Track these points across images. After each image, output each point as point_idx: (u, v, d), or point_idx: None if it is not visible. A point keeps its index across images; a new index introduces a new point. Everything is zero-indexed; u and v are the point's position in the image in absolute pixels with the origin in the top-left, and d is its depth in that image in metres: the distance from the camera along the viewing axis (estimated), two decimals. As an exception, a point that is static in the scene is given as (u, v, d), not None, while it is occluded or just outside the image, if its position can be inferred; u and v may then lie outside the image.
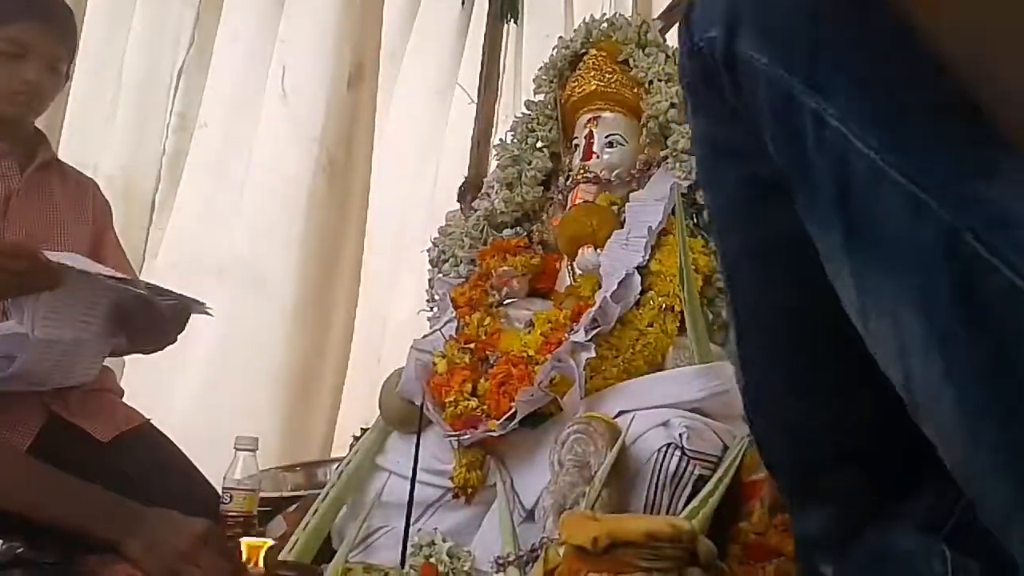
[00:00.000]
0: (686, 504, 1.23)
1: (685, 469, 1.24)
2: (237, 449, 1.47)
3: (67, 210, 1.69)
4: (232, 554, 1.35)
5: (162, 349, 1.65)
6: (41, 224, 1.64)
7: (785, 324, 0.68)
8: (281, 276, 2.46)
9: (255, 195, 2.50)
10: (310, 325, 2.47)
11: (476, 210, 1.82)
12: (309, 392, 2.45)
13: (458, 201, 2.33)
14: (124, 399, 1.74)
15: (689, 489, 1.24)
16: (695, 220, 1.62)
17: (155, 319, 1.52)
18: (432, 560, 1.31)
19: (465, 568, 1.30)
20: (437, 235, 1.83)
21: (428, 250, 1.83)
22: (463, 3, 2.77)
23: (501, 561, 1.25)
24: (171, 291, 1.53)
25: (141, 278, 1.91)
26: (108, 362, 1.82)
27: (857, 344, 0.58)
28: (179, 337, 1.65)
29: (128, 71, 2.40)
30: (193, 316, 1.60)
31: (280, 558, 1.38)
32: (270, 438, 2.26)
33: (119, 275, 1.48)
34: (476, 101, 2.46)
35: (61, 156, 1.80)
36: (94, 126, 2.37)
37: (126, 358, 2.31)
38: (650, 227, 1.52)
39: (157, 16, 2.46)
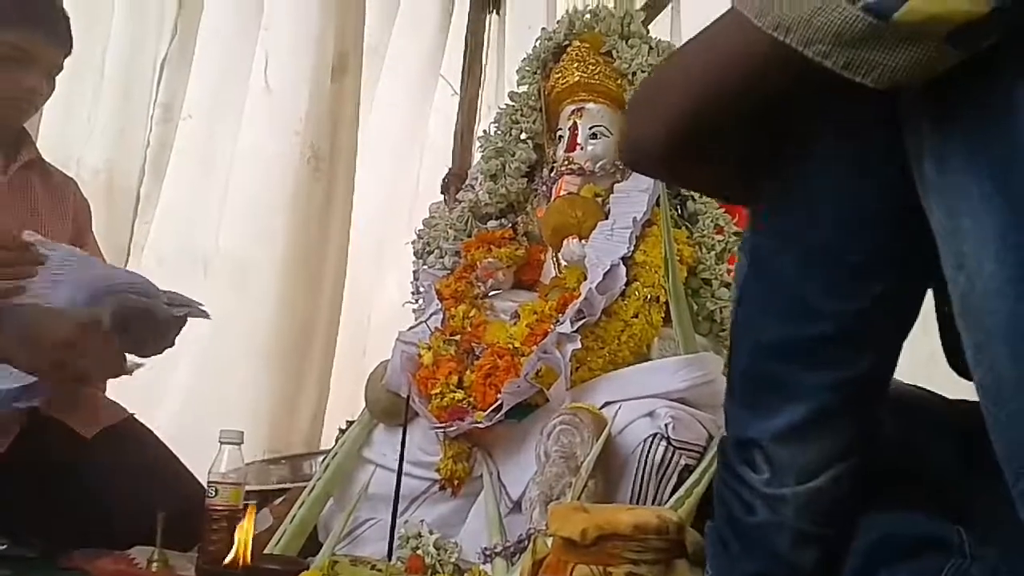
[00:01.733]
0: (672, 494, 1.24)
1: (671, 459, 1.25)
2: (222, 442, 1.46)
3: (48, 208, 1.69)
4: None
5: (160, 353, 1.64)
6: (22, 222, 1.62)
7: None
8: (266, 269, 2.45)
9: (240, 188, 2.48)
10: (295, 318, 2.45)
11: (460, 202, 1.82)
12: (295, 385, 2.44)
13: (442, 193, 2.32)
14: (112, 395, 1.73)
15: (675, 479, 1.25)
16: (679, 211, 1.63)
17: (153, 325, 1.52)
18: (419, 552, 1.31)
19: (452, 559, 1.30)
20: (421, 227, 1.82)
21: (412, 242, 1.82)
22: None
23: (488, 552, 1.25)
24: (177, 294, 1.53)
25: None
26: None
27: None
28: None
29: (110, 63, 2.37)
30: None
31: (266, 551, 1.38)
32: (256, 432, 2.26)
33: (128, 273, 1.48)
34: (459, 92, 2.46)
35: (42, 150, 1.78)
36: (76, 120, 2.34)
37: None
38: (634, 218, 1.53)
39: (138, 7, 2.43)
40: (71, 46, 1.65)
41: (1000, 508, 0.66)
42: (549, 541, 0.96)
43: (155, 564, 1.33)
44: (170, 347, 1.63)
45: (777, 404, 0.70)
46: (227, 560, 1.22)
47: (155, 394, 2.32)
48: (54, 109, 2.22)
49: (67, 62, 1.64)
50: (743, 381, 0.75)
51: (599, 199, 1.63)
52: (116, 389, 1.77)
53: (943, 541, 0.68)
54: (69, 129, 2.32)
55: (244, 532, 1.22)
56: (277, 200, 2.46)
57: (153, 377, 2.33)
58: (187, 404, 2.35)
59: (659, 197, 1.55)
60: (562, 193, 1.65)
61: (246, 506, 1.39)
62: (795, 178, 0.70)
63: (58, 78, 1.64)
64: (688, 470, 1.25)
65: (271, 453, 1.99)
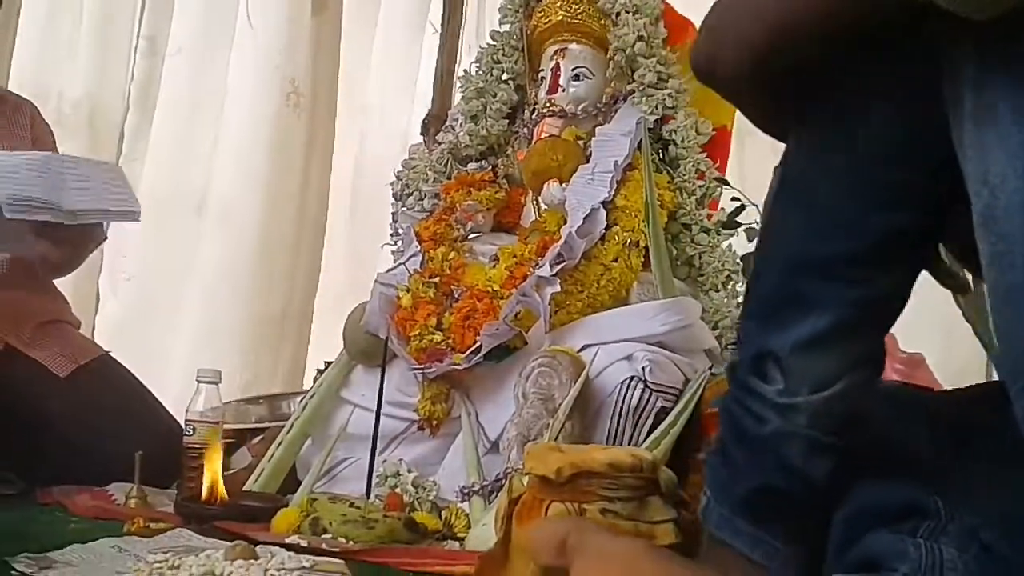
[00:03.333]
0: (648, 435, 1.25)
1: (647, 401, 1.26)
2: (199, 381, 1.46)
3: (3, 135, 1.65)
4: None
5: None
6: None
7: None
8: (249, 210, 2.43)
9: (228, 125, 2.45)
10: (276, 258, 2.45)
11: (440, 143, 1.80)
12: (277, 326, 2.44)
13: (421, 134, 2.29)
14: (89, 331, 1.73)
15: (651, 421, 1.26)
16: (660, 155, 1.62)
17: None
18: (397, 490, 1.32)
19: (430, 498, 1.32)
20: (401, 168, 1.80)
21: (392, 184, 1.80)
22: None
23: (466, 491, 1.27)
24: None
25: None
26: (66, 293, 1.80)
27: None
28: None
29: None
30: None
31: (245, 488, 1.39)
32: (238, 372, 2.27)
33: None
34: (440, 31, 2.41)
35: (22, 83, 1.74)
36: (57, 53, 2.28)
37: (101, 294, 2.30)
38: (616, 162, 1.52)
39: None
40: None
41: (978, 483, 0.70)
42: (525, 480, 0.97)
43: (133, 500, 1.34)
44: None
45: (800, 316, 0.73)
46: (204, 496, 1.23)
47: (138, 333, 2.32)
48: (29, 41, 2.17)
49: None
50: (765, 301, 0.77)
51: (580, 142, 1.61)
52: (96, 324, 1.77)
53: (921, 507, 0.71)
54: (49, 61, 2.27)
55: (212, 465, 1.23)
56: (260, 138, 2.43)
57: (137, 316, 2.34)
58: (169, 343, 2.35)
59: (641, 141, 1.54)
60: (543, 135, 1.63)
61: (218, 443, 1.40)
62: (834, 103, 0.72)
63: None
64: (664, 412, 1.27)
65: (250, 395, 1.99)
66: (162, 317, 2.38)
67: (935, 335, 1.85)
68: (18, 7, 2.14)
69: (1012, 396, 0.61)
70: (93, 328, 2.26)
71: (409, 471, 1.35)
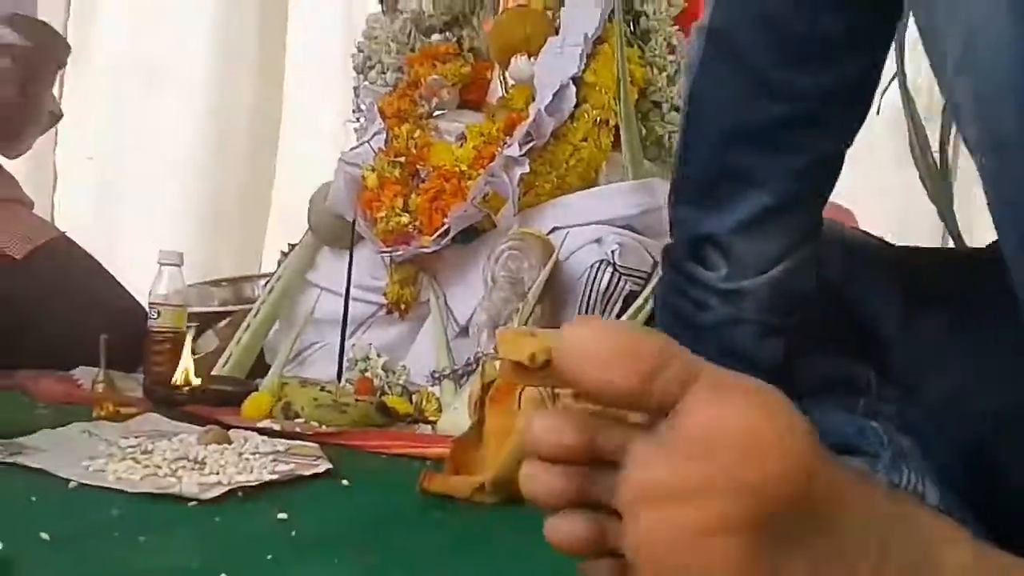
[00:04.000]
0: (618, 319, 1.26)
1: (616, 285, 1.27)
2: (161, 264, 1.43)
3: None
4: None
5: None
6: None
7: None
8: (205, 79, 2.33)
9: None
10: (237, 134, 2.37)
11: (402, 13, 1.72)
12: (236, 206, 2.39)
13: (379, 3, 2.19)
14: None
15: (620, 304, 1.27)
16: (631, 28, 1.56)
17: None
18: (367, 374, 1.33)
19: (400, 381, 1.33)
20: (362, 39, 1.73)
21: (352, 55, 1.73)
22: None
23: (436, 375, 1.28)
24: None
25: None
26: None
27: None
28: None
29: None
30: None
31: (213, 372, 1.39)
32: (197, 254, 2.23)
33: None
34: None
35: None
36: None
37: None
38: (586, 34, 1.46)
39: None
40: None
41: (920, 359, 0.69)
42: (497, 364, 0.97)
43: (100, 384, 1.33)
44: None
45: (738, 195, 0.69)
46: (174, 381, 1.23)
47: (97, 213, 2.27)
48: None
49: None
50: (698, 180, 0.72)
51: (549, 13, 1.55)
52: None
53: (859, 380, 0.71)
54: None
55: (183, 351, 1.22)
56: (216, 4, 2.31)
57: (96, 195, 2.28)
58: (123, 224, 2.30)
59: (612, 11, 1.48)
60: (510, 5, 1.56)
61: (190, 327, 1.38)
62: None
63: None
64: (633, 296, 1.27)
65: (211, 277, 1.97)
66: (119, 196, 2.32)
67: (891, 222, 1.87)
68: None
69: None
70: (52, 208, 2.21)
71: (379, 355, 1.36)
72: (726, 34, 0.69)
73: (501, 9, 1.59)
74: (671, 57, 1.54)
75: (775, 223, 0.69)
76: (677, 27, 1.56)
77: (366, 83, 1.68)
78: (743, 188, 0.69)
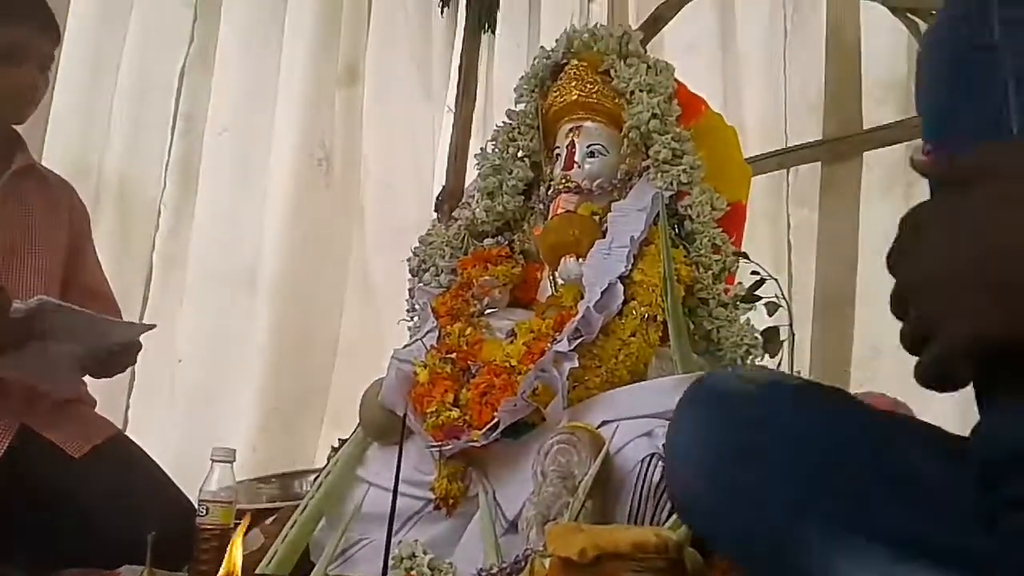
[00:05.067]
0: (669, 514, 1.22)
1: (668, 479, 1.23)
2: (214, 460, 1.44)
3: (43, 217, 1.67)
4: None
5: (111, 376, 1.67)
6: (17, 230, 1.61)
7: None
8: (270, 283, 2.46)
9: (267, 199, 2.51)
10: (297, 335, 2.47)
11: (456, 219, 1.81)
12: (296, 403, 2.44)
13: (435, 211, 2.32)
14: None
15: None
16: (676, 230, 1.62)
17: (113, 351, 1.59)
18: (413, 572, 1.29)
19: (447, 580, 1.28)
20: (418, 244, 1.81)
21: (408, 259, 1.81)
22: (442, 13, 2.78)
23: (484, 573, 1.23)
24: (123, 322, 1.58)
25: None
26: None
27: None
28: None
29: (125, 70, 2.38)
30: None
31: (258, 571, 1.36)
32: (251, 451, 2.26)
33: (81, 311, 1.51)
34: (453, 110, 2.46)
35: (59, 158, 1.78)
36: (94, 127, 2.34)
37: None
38: (632, 237, 1.52)
39: (155, 14, 2.45)
40: (60, 36, 1.67)
41: None
42: (547, 562, 0.94)
43: (143, 584, 1.30)
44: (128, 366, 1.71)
45: None
46: (217, 580, 1.20)
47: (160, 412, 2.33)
48: (64, 115, 2.23)
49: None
50: None
51: (596, 217, 1.62)
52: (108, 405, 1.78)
53: None
54: (86, 136, 2.33)
55: (234, 550, 1.20)
56: (293, 211, 2.49)
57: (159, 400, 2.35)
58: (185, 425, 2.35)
59: (657, 215, 1.55)
60: (559, 211, 1.64)
61: (237, 523, 1.37)
62: None
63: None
64: (686, 490, 1.24)
65: (260, 473, 1.98)
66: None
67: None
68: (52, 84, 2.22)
69: None
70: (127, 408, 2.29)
71: (425, 552, 1.32)
72: None
73: (550, 215, 1.67)
74: (716, 256, 1.58)
75: None
76: (720, 228, 1.61)
77: (420, 284, 1.74)
78: None
